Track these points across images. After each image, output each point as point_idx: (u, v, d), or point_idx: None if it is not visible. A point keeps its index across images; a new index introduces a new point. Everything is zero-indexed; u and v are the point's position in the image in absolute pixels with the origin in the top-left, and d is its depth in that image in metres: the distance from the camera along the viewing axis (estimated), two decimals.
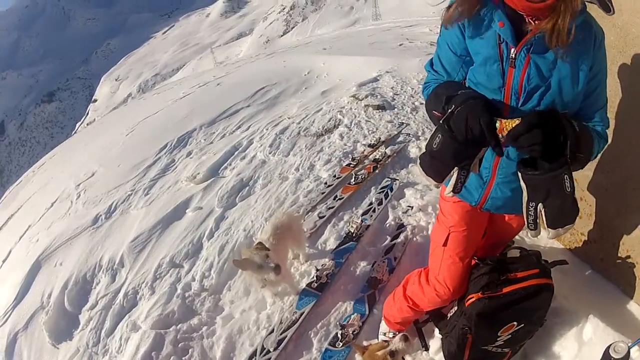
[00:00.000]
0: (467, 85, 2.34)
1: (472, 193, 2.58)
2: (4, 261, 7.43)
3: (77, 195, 8.53)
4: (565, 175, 1.95)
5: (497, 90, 2.17)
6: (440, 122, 2.03)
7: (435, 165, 2.07)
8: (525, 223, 2.13)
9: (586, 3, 1.99)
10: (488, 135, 1.92)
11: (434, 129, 2.08)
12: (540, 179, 1.98)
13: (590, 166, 3.19)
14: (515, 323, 2.81)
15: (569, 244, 3.85)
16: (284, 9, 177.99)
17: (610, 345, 2.58)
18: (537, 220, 2.09)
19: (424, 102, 2.47)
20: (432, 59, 2.49)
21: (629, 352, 2.47)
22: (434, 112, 2.24)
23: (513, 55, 2.09)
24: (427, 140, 2.10)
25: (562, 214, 2.06)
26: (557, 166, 1.94)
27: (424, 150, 2.12)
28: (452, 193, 2.11)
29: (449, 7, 2.26)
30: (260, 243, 3.96)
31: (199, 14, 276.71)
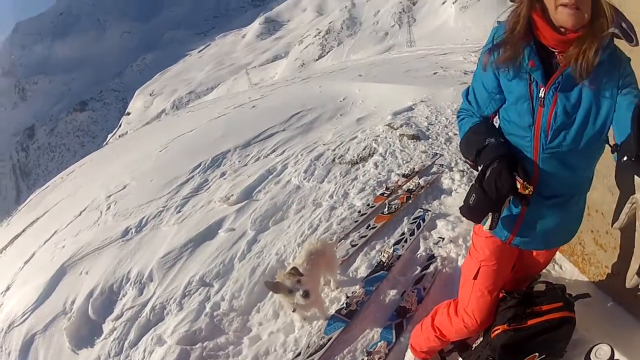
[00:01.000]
0: (499, 125, 2.47)
1: (502, 229, 2.62)
2: (26, 262, 7.57)
3: (107, 206, 8.66)
4: None
5: (527, 128, 2.26)
6: (474, 183, 2.27)
7: (474, 214, 2.35)
8: (637, 268, 1.99)
9: (613, 36, 2.05)
10: (513, 196, 2.20)
11: (470, 186, 2.33)
12: None
13: (614, 196, 3.22)
14: (537, 354, 2.87)
15: (593, 277, 3.86)
16: (319, 32, 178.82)
17: (592, 347, 2.66)
18: None
19: (459, 142, 2.62)
20: (468, 88, 2.61)
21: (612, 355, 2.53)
22: (466, 160, 2.43)
23: (542, 95, 2.17)
24: (466, 194, 2.33)
25: None
26: None
27: (463, 202, 2.36)
28: (489, 230, 2.36)
29: (491, 49, 2.35)
30: (294, 268, 4.01)
31: (235, 34, 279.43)
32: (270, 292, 4.96)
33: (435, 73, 17.87)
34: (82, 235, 7.61)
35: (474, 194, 2.27)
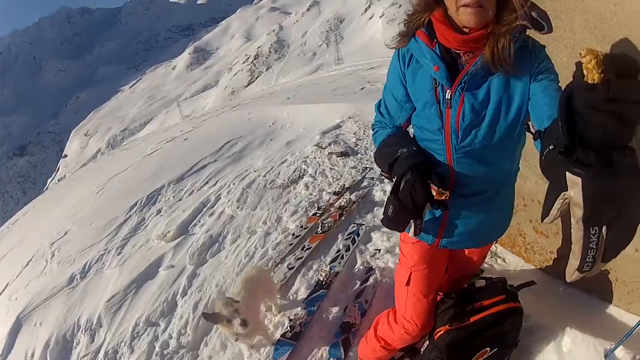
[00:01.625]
0: (413, 134, 2.48)
1: (428, 233, 2.63)
2: None
3: (51, 254, 8.48)
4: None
5: (437, 132, 2.27)
6: (390, 195, 2.27)
7: (395, 223, 2.33)
8: (576, 263, 1.54)
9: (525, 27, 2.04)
10: (436, 207, 2.20)
11: (387, 198, 2.33)
12: (614, 184, 1.32)
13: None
14: (488, 349, 2.88)
15: (539, 264, 3.90)
16: (248, 58, 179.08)
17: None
18: (596, 255, 1.49)
19: (374, 154, 2.64)
20: (380, 101, 2.62)
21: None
22: (381, 173, 2.46)
23: (449, 97, 2.17)
24: (384, 207, 2.34)
25: (628, 235, 1.51)
26: (634, 165, 1.30)
27: (382, 214, 2.38)
28: (414, 236, 2.37)
29: (397, 59, 2.40)
30: (231, 297, 4.00)
31: (165, 66, 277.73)
32: (215, 325, 4.96)
33: (362, 88, 18.07)
34: (31, 285, 7.45)
35: (391, 206, 2.27)
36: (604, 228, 1.43)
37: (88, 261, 7.39)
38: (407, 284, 2.92)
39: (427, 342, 3.23)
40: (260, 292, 4.51)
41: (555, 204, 1.63)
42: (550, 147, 1.51)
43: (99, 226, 8.79)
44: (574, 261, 1.56)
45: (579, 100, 1.27)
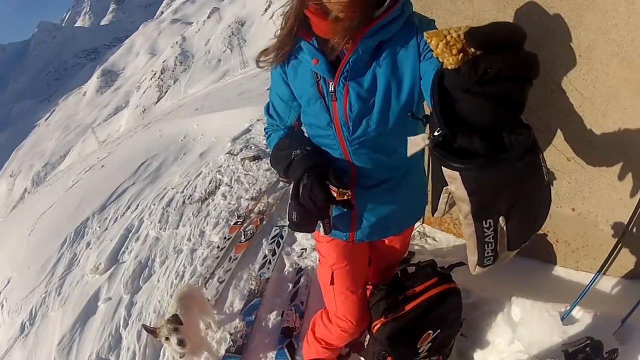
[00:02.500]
0: (304, 136, 2.40)
1: (340, 230, 2.55)
2: None
3: (0, 305, 8.19)
4: (541, 154, 1.32)
5: (327, 126, 2.15)
6: (291, 201, 2.12)
7: (303, 226, 2.15)
8: (475, 258, 1.53)
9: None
10: (340, 206, 2.11)
11: (288, 205, 2.17)
12: (501, 171, 1.21)
13: None
14: (430, 331, 2.81)
15: None
16: (155, 74, 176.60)
17: None
18: (497, 248, 1.43)
19: (270, 160, 2.55)
20: (267, 104, 2.50)
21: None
22: (279, 178, 2.37)
23: (332, 89, 2.05)
24: (287, 213, 2.19)
25: (536, 220, 1.49)
26: (528, 141, 1.21)
27: (287, 220, 2.22)
28: (327, 235, 2.29)
29: (265, 50, 2.24)
30: (175, 316, 3.81)
31: (76, 93, 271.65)
32: (162, 349, 4.84)
33: (268, 89, 17.90)
34: None
35: (294, 212, 2.13)
36: (500, 219, 1.32)
37: (33, 307, 7.16)
38: (332, 283, 2.83)
39: (368, 337, 3.15)
40: (195, 309, 4.36)
41: (441, 198, 1.61)
42: (436, 133, 1.31)
43: (36, 269, 8.51)
44: (471, 257, 1.50)
45: (449, 85, 1.12)
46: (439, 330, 2.85)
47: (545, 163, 1.30)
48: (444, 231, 4.23)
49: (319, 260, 3.01)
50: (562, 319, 2.75)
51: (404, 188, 2.41)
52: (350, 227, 2.53)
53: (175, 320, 3.75)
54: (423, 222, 4.37)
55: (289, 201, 2.18)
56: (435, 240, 4.24)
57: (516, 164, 1.18)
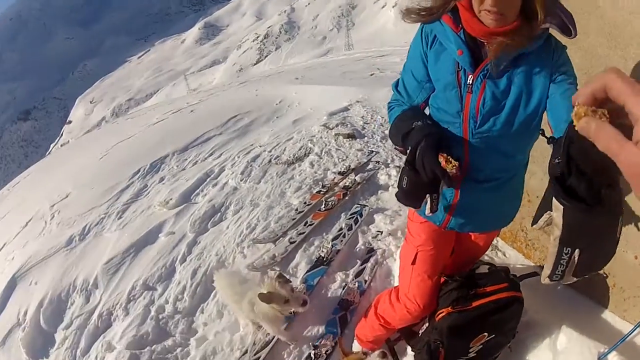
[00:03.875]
0: (428, 113, 2.47)
1: (437, 214, 2.60)
2: None
3: (51, 215, 8.43)
4: (622, 217, 1.64)
5: (456, 115, 2.28)
6: (404, 166, 2.25)
7: (410, 198, 2.31)
8: (548, 271, 1.82)
9: (549, 28, 2.05)
10: (441, 176, 2.10)
11: (401, 169, 2.31)
12: (592, 218, 1.56)
13: None
14: (486, 334, 2.87)
15: (538, 261, 3.88)
16: (258, 37, 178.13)
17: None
18: (566, 270, 1.75)
19: (389, 130, 2.60)
20: (398, 80, 2.60)
21: None
22: (396, 147, 2.44)
23: (470, 82, 2.18)
24: (398, 179, 2.31)
25: (599, 262, 1.82)
26: (618, 203, 1.58)
27: (397, 187, 2.35)
28: (430, 214, 2.31)
29: (420, 38, 2.37)
30: (280, 275, 3.86)
31: (174, 39, 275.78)
32: (213, 292, 4.98)
33: (372, 74, 17.96)
34: (29, 245, 7.40)
35: (406, 177, 2.25)
36: (576, 251, 1.68)
37: (88, 224, 7.36)
38: (413, 263, 2.93)
39: (427, 324, 3.23)
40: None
41: (543, 216, 1.88)
42: (556, 161, 1.55)
43: (100, 191, 8.74)
44: (546, 269, 1.84)
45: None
46: (493, 335, 2.90)
47: (622, 222, 1.62)
48: (515, 249, 4.22)
49: (405, 238, 3.11)
50: (599, 359, 2.78)
51: (506, 190, 2.54)
52: (447, 214, 2.62)
53: (286, 279, 3.82)
54: (498, 235, 4.37)
55: (402, 167, 2.28)
56: (505, 256, 4.24)
57: (604, 216, 1.54)
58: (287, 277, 4.77)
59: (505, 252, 4.29)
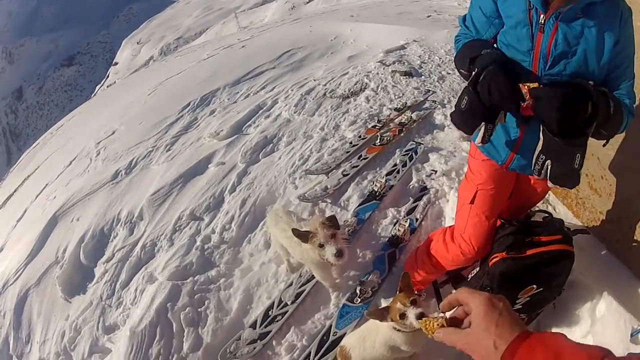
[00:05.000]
0: (496, 47, 2.44)
1: (500, 152, 2.63)
2: (18, 221, 7.54)
3: (96, 152, 8.64)
4: (579, 154, 2.21)
5: (526, 53, 2.25)
6: (467, 86, 2.22)
7: (465, 121, 2.30)
8: (532, 166, 2.34)
9: None
10: (507, 102, 2.12)
11: (462, 89, 2.27)
12: (556, 144, 2.20)
13: (614, 145, 3.18)
14: (535, 286, 2.82)
15: (587, 221, 3.82)
16: None
17: None
18: (542, 171, 2.30)
19: (454, 58, 2.58)
20: (465, 15, 2.58)
21: None
22: (460, 70, 2.40)
23: (542, 21, 2.15)
24: (457, 99, 2.29)
25: (564, 179, 2.30)
26: (576, 142, 2.19)
27: (454, 107, 2.32)
28: (481, 144, 2.29)
29: None
30: (331, 217, 3.56)
31: None
32: (262, 223, 5.00)
33: (428, 16, 17.71)
34: (72, 183, 7.60)
35: (466, 97, 2.23)
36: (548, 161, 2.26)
37: (135, 158, 7.52)
38: (472, 202, 2.92)
39: (478, 269, 3.20)
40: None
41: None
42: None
43: (149, 125, 8.91)
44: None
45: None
46: (541, 289, 2.85)
47: (582, 159, 2.21)
48: (565, 206, 4.15)
49: (465, 176, 3.10)
50: (632, 335, 2.74)
51: None
52: (510, 153, 2.60)
53: (333, 224, 3.49)
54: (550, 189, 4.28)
55: (465, 87, 2.26)
56: (554, 211, 4.15)
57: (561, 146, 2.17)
58: (339, 214, 4.84)
59: (555, 207, 4.24)
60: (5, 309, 5.20)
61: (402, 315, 2.60)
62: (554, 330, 3.21)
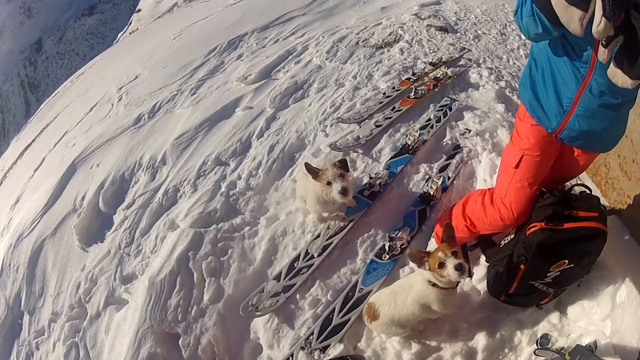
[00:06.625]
0: None
1: (551, 119, 2.56)
2: (35, 170, 7.47)
3: (118, 98, 8.51)
4: None
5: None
6: None
7: None
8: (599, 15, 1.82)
9: None
10: None
11: None
12: None
13: None
14: (567, 261, 2.82)
15: (614, 203, 3.81)
16: None
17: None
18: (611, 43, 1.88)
19: None
20: None
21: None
22: None
23: None
24: None
25: (630, 64, 1.92)
26: None
27: None
28: (603, 22, 1.78)
29: None
30: (343, 161, 3.75)
31: None
32: (290, 170, 4.91)
33: None
34: (92, 130, 7.47)
35: None
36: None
37: (159, 102, 7.35)
38: (516, 166, 2.88)
39: (512, 236, 3.15)
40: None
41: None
42: None
43: (173, 69, 8.73)
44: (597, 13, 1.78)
45: None
46: (572, 265, 2.81)
47: None
48: (594, 184, 4.11)
49: (511, 139, 3.02)
50: None
51: (619, 114, 2.48)
52: (561, 122, 2.53)
53: (343, 166, 3.67)
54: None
55: None
56: (584, 187, 4.10)
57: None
58: (370, 165, 4.80)
59: (584, 183, 4.13)
60: (19, 263, 5.05)
61: (441, 265, 2.74)
62: (575, 308, 3.28)
